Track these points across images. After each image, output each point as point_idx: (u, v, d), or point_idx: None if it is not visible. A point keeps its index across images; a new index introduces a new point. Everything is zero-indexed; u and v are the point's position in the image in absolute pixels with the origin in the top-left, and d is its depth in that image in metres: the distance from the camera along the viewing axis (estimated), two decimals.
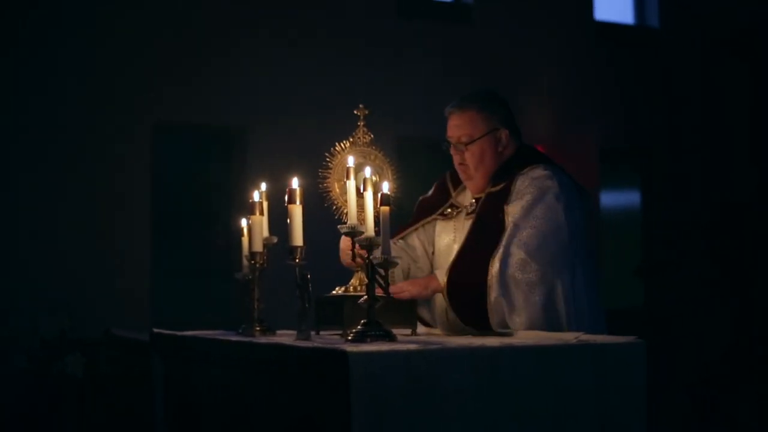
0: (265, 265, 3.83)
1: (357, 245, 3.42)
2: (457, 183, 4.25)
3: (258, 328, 3.79)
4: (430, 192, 4.42)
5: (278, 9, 9.39)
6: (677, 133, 11.31)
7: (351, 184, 3.45)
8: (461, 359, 2.93)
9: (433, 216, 4.26)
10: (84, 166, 8.58)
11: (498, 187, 4.00)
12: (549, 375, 3.04)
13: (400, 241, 4.30)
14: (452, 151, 4.12)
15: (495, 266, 3.72)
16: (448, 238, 4.17)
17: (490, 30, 10.40)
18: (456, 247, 4.04)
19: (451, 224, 4.17)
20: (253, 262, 3.81)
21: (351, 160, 3.55)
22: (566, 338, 3.30)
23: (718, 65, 11.32)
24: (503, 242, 3.77)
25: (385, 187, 3.29)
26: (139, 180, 8.80)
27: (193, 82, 8.96)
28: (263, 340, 3.58)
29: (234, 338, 3.70)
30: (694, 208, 11.15)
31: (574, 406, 3.07)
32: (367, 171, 3.41)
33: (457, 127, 4.09)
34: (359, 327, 3.19)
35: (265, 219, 3.85)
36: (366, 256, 3.25)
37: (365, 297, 3.25)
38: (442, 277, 3.86)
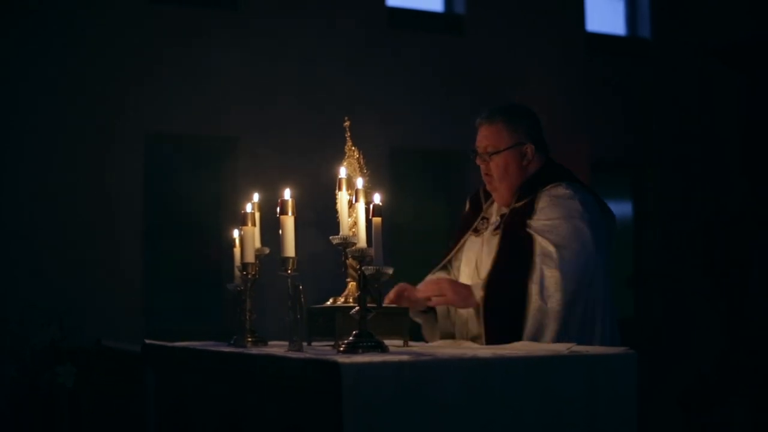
0: (257, 276, 3.83)
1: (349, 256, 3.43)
2: (489, 195, 4.35)
3: (250, 339, 3.78)
4: (467, 207, 4.48)
5: (269, 20, 9.41)
6: (669, 144, 11.33)
7: (343, 196, 3.46)
8: (453, 370, 2.93)
9: (469, 233, 4.31)
10: (76, 176, 8.58)
11: (521, 203, 4.10)
12: (540, 386, 3.04)
13: (441, 272, 4.39)
14: (478, 161, 4.22)
15: (533, 290, 3.80)
16: (472, 251, 4.26)
17: (481, 40, 10.42)
18: (476, 260, 4.15)
19: (479, 239, 4.23)
20: (245, 272, 3.81)
21: (343, 171, 3.56)
22: (558, 349, 3.30)
23: (709, 76, 11.35)
24: (537, 266, 3.84)
25: (377, 198, 3.29)
26: (131, 190, 8.80)
27: (185, 92, 8.97)
28: (255, 351, 3.57)
29: (226, 349, 3.69)
30: (685, 219, 11.17)
31: (566, 417, 3.07)
32: (359, 182, 3.42)
33: (485, 137, 4.19)
34: (351, 338, 3.19)
35: (257, 230, 3.85)
36: (358, 267, 3.26)
37: (357, 308, 3.25)
38: (478, 292, 3.93)
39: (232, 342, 3.83)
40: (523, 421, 2.99)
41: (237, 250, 3.97)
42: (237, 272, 3.92)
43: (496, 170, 4.15)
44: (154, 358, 4.16)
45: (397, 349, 3.39)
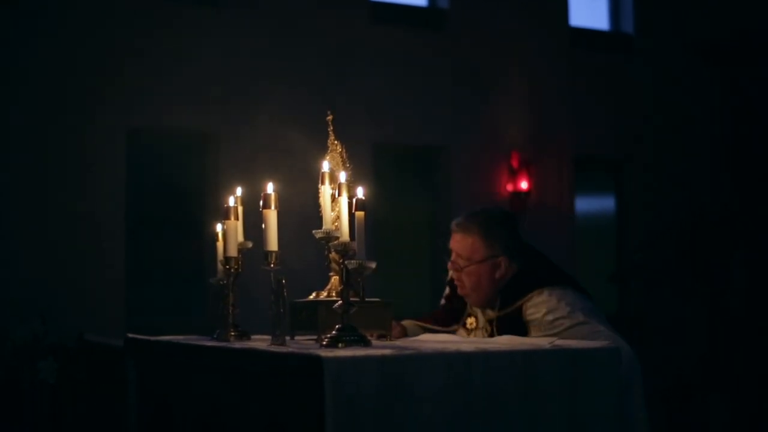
0: (240, 270, 3.82)
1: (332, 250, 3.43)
2: None
3: (233, 333, 3.78)
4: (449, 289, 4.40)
5: (252, 14, 9.39)
6: (651, 139, 11.36)
7: (326, 190, 3.46)
8: (435, 364, 2.93)
9: (458, 326, 4.26)
10: (58, 171, 8.56)
11: (504, 312, 4.02)
12: (523, 379, 3.04)
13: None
14: (450, 266, 4.16)
15: None
16: None
17: (464, 36, 10.43)
18: None
19: (470, 338, 4.18)
20: (227, 266, 3.80)
21: (326, 165, 3.56)
22: (540, 343, 3.31)
23: (692, 72, 11.39)
24: None
25: (360, 192, 3.29)
26: (113, 184, 8.78)
27: (167, 86, 8.95)
28: (238, 345, 3.57)
29: (209, 343, 3.69)
30: (668, 215, 11.21)
31: (548, 410, 3.08)
32: (342, 176, 3.42)
33: (459, 246, 4.12)
34: (334, 332, 3.19)
35: (240, 224, 3.85)
36: (340, 261, 3.26)
37: (340, 302, 3.25)
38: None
39: (215, 336, 3.83)
40: (506, 414, 3.00)
41: (220, 244, 3.96)
42: (220, 266, 3.92)
43: (468, 280, 4.08)
44: (137, 353, 4.15)
45: (379, 343, 3.39)
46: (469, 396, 2.95)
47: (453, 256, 4.14)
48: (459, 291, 4.17)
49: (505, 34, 10.64)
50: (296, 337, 3.76)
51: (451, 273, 4.22)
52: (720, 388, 10.31)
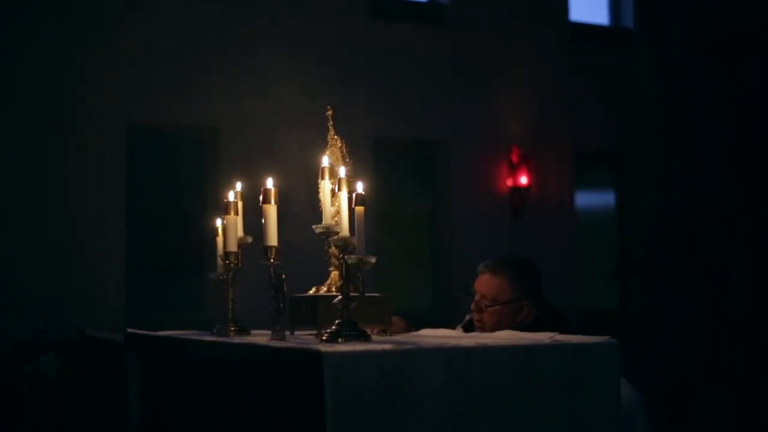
0: (240, 264, 3.83)
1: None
2: None
3: (232, 328, 3.78)
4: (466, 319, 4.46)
5: (251, 9, 9.38)
6: (652, 134, 11.35)
7: (325, 185, 3.46)
8: (435, 359, 2.93)
9: None
10: (58, 166, 8.55)
11: None
12: (523, 374, 3.04)
13: None
14: (473, 307, 4.25)
15: None
16: None
17: (465, 30, 10.41)
18: None
19: None
20: (227, 261, 3.81)
21: (326, 160, 3.56)
22: (540, 338, 3.31)
23: (693, 67, 11.37)
24: None
25: (360, 187, 3.29)
26: (114, 180, 8.77)
27: (167, 81, 8.94)
28: (237, 340, 3.57)
29: (208, 338, 3.69)
30: (669, 210, 11.19)
31: (548, 405, 3.08)
32: (342, 171, 3.42)
33: (485, 287, 4.23)
34: (334, 327, 3.19)
35: (239, 219, 3.85)
36: (340, 255, 3.26)
37: (340, 297, 3.25)
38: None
39: (215, 331, 3.83)
40: (506, 409, 3.00)
41: (219, 239, 3.96)
42: (220, 261, 3.92)
43: (489, 320, 4.18)
44: (137, 348, 4.16)
45: (379, 338, 3.39)
46: (469, 391, 2.95)
47: (477, 297, 4.23)
48: (477, 330, 4.24)
49: (505, 28, 10.62)
50: (296, 332, 3.76)
51: (467, 317, 4.28)
52: (720, 387, 10.32)
